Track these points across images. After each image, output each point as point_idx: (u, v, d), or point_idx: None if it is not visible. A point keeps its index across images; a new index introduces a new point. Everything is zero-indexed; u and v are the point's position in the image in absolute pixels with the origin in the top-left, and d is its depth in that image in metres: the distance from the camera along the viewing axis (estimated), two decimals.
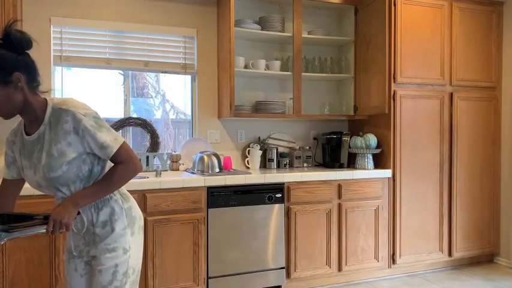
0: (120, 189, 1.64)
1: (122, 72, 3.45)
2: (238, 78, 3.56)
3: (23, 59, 1.45)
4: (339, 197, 3.28)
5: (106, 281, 1.53)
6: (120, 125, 3.35)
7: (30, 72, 1.47)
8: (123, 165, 1.51)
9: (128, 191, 2.65)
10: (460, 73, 3.65)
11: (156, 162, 3.35)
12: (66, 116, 1.45)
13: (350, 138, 3.62)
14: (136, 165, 1.54)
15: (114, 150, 1.49)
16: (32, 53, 1.49)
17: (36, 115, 1.48)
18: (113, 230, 1.55)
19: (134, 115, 3.51)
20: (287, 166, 3.66)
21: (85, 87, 3.39)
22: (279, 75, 3.58)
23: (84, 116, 1.45)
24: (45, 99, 1.51)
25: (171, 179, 2.80)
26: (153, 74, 3.66)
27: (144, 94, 3.73)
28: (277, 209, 3.09)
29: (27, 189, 2.47)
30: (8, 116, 1.46)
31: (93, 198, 1.49)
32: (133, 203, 1.66)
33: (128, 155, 1.52)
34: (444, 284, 3.35)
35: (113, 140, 1.49)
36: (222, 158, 3.39)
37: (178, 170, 3.37)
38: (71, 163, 1.46)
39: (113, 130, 1.53)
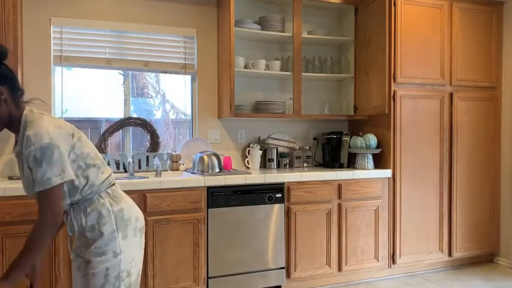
0: (111, 191, 1.61)
1: (122, 72, 3.45)
2: (238, 78, 3.56)
3: (0, 71, 1.42)
4: (339, 197, 3.28)
5: (99, 284, 1.52)
6: (120, 125, 3.35)
7: (11, 82, 1.45)
8: (37, 220, 1.43)
9: (128, 190, 2.65)
10: (460, 73, 3.65)
11: (156, 162, 3.35)
12: (27, 140, 1.42)
13: (350, 138, 3.62)
14: (44, 222, 1.42)
15: (38, 189, 1.42)
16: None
17: (18, 129, 1.49)
18: (101, 234, 1.53)
19: (134, 115, 3.51)
20: (287, 166, 3.66)
21: (85, 87, 3.39)
22: (279, 75, 3.58)
23: (33, 144, 1.39)
24: (22, 114, 1.49)
25: (171, 179, 2.80)
26: (153, 74, 3.66)
27: (144, 94, 3.73)
28: (277, 209, 3.09)
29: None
30: None
31: (20, 268, 1.41)
32: (125, 205, 1.62)
33: (46, 203, 1.42)
34: (444, 284, 3.35)
35: (44, 178, 1.40)
36: (222, 158, 3.39)
37: (178, 170, 3.37)
38: None
39: (59, 167, 1.43)
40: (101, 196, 1.58)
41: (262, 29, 3.45)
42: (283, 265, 3.12)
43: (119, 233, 1.56)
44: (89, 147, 1.58)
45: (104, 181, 1.59)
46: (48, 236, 1.43)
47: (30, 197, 1.54)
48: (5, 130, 1.52)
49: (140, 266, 1.65)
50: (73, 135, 1.53)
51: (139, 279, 1.65)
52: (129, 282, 1.58)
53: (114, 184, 1.66)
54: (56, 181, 1.42)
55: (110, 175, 1.64)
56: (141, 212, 1.72)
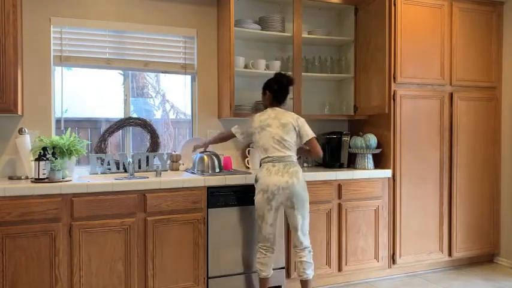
0: (265, 165, 2.72)
1: (122, 72, 3.45)
2: (238, 78, 3.55)
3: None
4: (339, 197, 3.28)
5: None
6: (120, 125, 3.35)
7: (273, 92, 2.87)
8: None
9: (128, 190, 2.67)
10: (460, 73, 3.65)
11: (156, 162, 3.35)
12: None
13: (350, 138, 3.62)
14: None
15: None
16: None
17: None
18: (256, 181, 2.81)
19: (134, 115, 3.51)
20: None
21: (85, 87, 3.39)
22: None
23: None
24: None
25: (171, 179, 2.80)
26: (153, 74, 3.66)
27: (144, 94, 3.73)
28: None
29: (26, 188, 2.47)
30: None
31: None
32: (262, 175, 2.70)
33: None
34: (444, 284, 3.35)
35: None
36: (222, 158, 3.39)
37: (178, 170, 3.36)
38: None
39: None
40: (261, 165, 2.77)
41: (262, 29, 3.45)
42: (284, 265, 3.11)
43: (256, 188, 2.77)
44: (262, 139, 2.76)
45: (263, 158, 2.75)
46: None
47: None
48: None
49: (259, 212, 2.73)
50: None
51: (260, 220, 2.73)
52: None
53: (269, 162, 2.69)
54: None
55: (267, 156, 2.72)
56: (276, 183, 2.63)
